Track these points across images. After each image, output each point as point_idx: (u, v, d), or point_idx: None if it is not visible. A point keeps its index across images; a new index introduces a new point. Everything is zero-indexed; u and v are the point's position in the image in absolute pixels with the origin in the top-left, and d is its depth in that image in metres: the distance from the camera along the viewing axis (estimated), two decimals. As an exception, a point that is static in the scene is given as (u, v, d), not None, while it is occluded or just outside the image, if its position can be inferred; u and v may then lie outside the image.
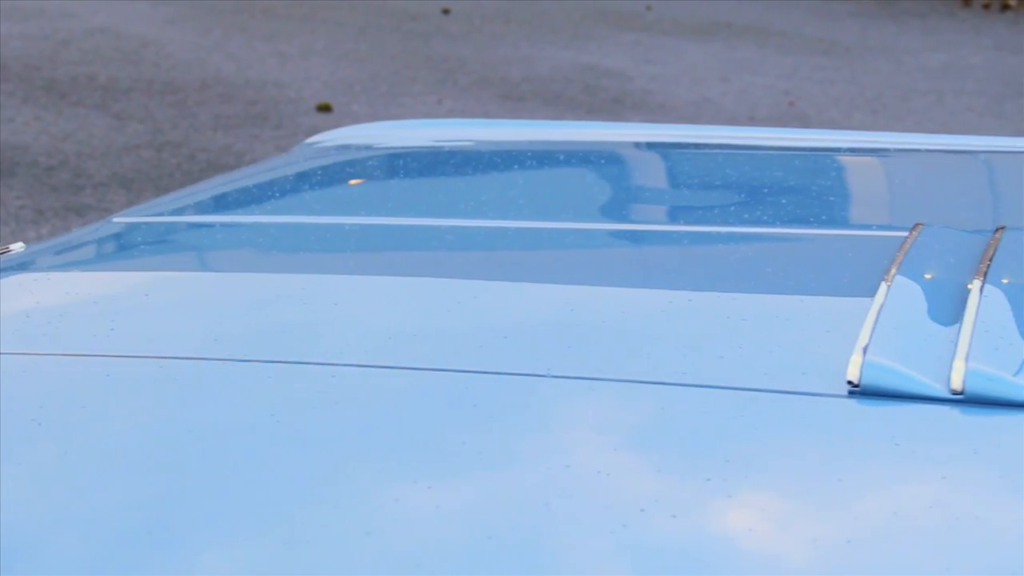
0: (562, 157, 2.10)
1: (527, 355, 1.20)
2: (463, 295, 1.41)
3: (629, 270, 1.49)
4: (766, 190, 1.77)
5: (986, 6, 11.05)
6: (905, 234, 1.40)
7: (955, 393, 1.09)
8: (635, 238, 1.57)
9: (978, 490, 1.02)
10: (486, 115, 7.33)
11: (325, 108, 7.34)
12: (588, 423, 1.11)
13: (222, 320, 1.38)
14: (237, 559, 0.94)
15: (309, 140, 2.35)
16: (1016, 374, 1.09)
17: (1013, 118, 7.33)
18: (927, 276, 1.28)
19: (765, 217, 1.63)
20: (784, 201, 1.71)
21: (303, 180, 2.14)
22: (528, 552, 0.93)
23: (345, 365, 1.20)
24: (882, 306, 1.21)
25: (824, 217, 1.66)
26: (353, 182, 2.11)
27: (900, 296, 1.23)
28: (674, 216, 1.72)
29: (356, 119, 7.07)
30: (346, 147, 2.26)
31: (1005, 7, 10.99)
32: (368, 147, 2.25)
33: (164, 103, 7.27)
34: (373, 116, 7.19)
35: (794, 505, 1.01)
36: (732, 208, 1.69)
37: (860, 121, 7.31)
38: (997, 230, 1.42)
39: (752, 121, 7.31)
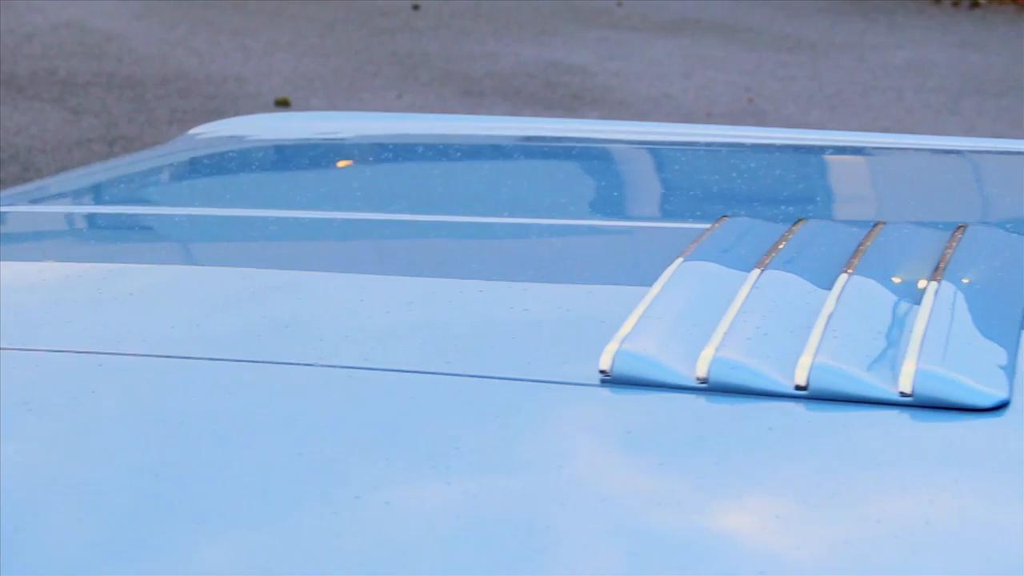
0: (436, 152, 2.11)
1: (299, 346, 1.22)
2: (306, 286, 1.42)
3: (439, 259, 1.50)
4: (603, 183, 1.78)
5: (956, 3, 11.07)
6: (706, 225, 1.41)
7: (701, 381, 1.10)
8: (455, 230, 1.58)
9: (716, 477, 1.03)
10: (444, 110, 7.34)
11: (283, 103, 7.34)
12: (343, 412, 1.12)
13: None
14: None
15: (192, 131, 2.36)
16: (758, 367, 1.10)
17: (969, 115, 7.34)
18: (707, 265, 1.29)
19: (574, 209, 1.64)
20: (587, 192, 1.73)
21: (178, 170, 2.14)
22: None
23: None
24: (655, 297, 1.22)
25: (645, 209, 1.67)
26: (227, 173, 2.12)
27: (673, 286, 1.24)
28: (516, 209, 1.72)
29: (313, 114, 7.06)
30: (228, 138, 2.27)
31: (975, 5, 11.00)
32: (248, 139, 2.26)
33: (122, 98, 7.27)
34: (330, 110, 7.19)
35: (529, 493, 1.01)
36: (564, 201, 1.70)
37: (817, 117, 7.32)
38: (797, 221, 1.43)
39: (709, 117, 7.33)
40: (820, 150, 1.91)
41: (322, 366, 1.17)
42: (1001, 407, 1.05)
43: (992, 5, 10.98)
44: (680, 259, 1.30)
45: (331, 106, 7.35)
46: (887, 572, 0.89)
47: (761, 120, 7.26)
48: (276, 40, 8.95)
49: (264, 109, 7.20)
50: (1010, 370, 1.10)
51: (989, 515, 0.94)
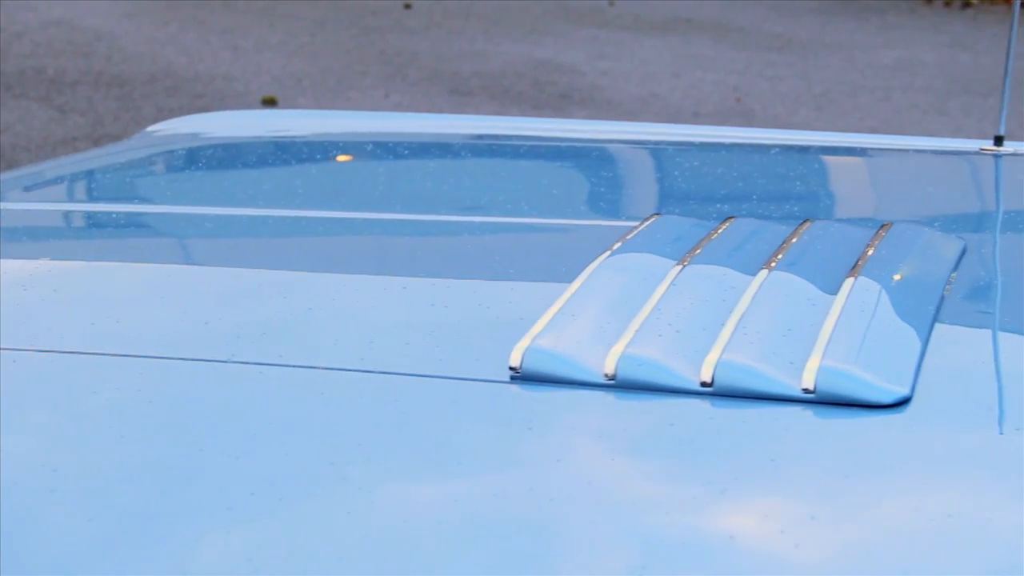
0: (383, 150, 2.11)
1: (216, 343, 1.22)
2: (224, 282, 1.42)
3: (366, 256, 1.50)
4: (548, 181, 1.79)
5: (947, 3, 11.07)
6: (633, 223, 1.42)
7: (609, 378, 1.11)
8: (389, 227, 1.58)
9: (615, 473, 1.03)
10: (432, 109, 7.34)
11: (270, 101, 7.35)
12: (266, 409, 1.12)
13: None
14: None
15: (150, 128, 2.36)
16: (665, 364, 1.11)
17: (955, 115, 7.34)
18: (630, 262, 1.29)
19: (514, 207, 1.65)
20: (529, 190, 1.73)
21: (132, 168, 2.15)
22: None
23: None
24: (572, 295, 1.22)
25: (585, 207, 1.67)
26: (177, 171, 2.12)
27: (592, 283, 1.24)
28: (455, 206, 1.73)
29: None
30: (184, 136, 2.27)
31: (967, 5, 11.00)
32: (203, 136, 2.26)
33: (109, 96, 7.27)
34: (314, 109, 7.20)
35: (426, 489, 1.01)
36: (503, 199, 1.70)
37: (804, 117, 7.32)
38: (726, 219, 1.43)
39: (696, 117, 7.33)
40: (767, 149, 1.91)
41: (236, 363, 1.17)
42: (902, 404, 1.05)
43: (984, 5, 10.97)
44: (602, 256, 1.31)
45: (318, 105, 7.35)
46: (774, 565, 0.89)
47: (748, 119, 7.26)
48: (266, 39, 8.96)
49: (251, 108, 7.21)
50: (915, 367, 1.10)
51: (877, 511, 0.95)
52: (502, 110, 7.35)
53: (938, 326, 1.19)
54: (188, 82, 7.68)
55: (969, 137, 6.61)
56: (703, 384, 1.09)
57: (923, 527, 0.92)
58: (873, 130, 7.00)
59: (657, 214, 1.46)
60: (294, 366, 1.17)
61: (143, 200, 1.90)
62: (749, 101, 7.70)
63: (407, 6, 10.39)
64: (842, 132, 1.98)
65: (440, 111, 7.31)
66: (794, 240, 1.35)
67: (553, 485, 1.00)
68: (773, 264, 1.27)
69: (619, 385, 1.10)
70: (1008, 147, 1.89)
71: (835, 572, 0.89)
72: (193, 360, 1.19)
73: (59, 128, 6.61)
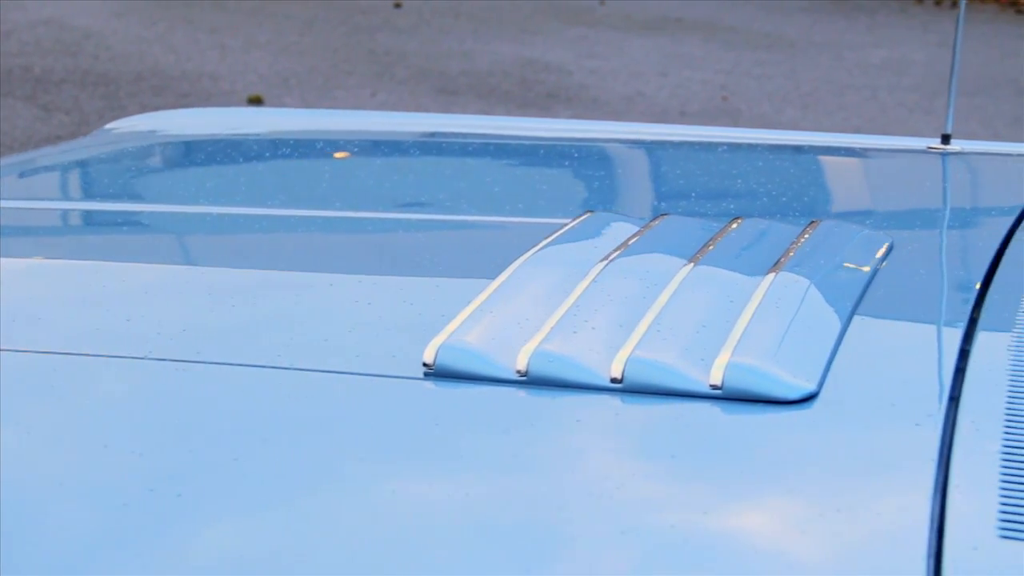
0: (334, 147, 2.11)
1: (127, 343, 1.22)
2: (142, 278, 1.42)
3: (300, 254, 1.50)
4: (491, 180, 1.79)
5: (938, 3, 11.07)
6: (567, 220, 1.42)
7: (521, 375, 1.11)
8: (325, 225, 1.58)
9: (523, 468, 1.03)
10: (418, 108, 7.34)
11: (256, 100, 7.34)
12: (191, 406, 1.12)
13: None
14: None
15: (108, 125, 2.36)
16: (577, 360, 1.11)
17: (941, 114, 7.33)
18: (555, 259, 1.29)
19: (452, 205, 1.65)
20: (470, 188, 1.73)
21: (84, 165, 2.15)
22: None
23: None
24: (493, 292, 1.22)
25: (509, 206, 1.67)
26: (131, 168, 2.12)
27: (515, 280, 1.24)
28: (389, 204, 1.73)
29: (285, 112, 7.06)
30: (141, 133, 2.28)
31: (956, 4, 11.00)
32: (161, 134, 2.27)
33: (95, 95, 7.27)
34: (301, 108, 7.19)
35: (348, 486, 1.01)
36: (442, 197, 1.70)
37: (791, 116, 7.32)
38: (657, 217, 1.43)
39: (682, 116, 7.33)
40: (713, 147, 1.91)
41: (152, 359, 1.17)
42: (808, 400, 1.05)
43: (974, 4, 10.97)
44: (528, 254, 1.31)
45: (304, 104, 7.35)
46: (662, 559, 0.89)
47: (734, 119, 7.26)
48: (254, 38, 8.95)
49: (237, 106, 7.20)
50: (826, 364, 1.10)
51: (769, 506, 0.95)
52: (488, 109, 7.34)
53: (854, 323, 1.19)
54: (174, 81, 7.68)
55: (955, 137, 6.60)
56: (613, 380, 1.09)
57: (818, 521, 0.92)
58: (857, 129, 7.00)
59: (590, 211, 1.46)
60: (208, 363, 1.17)
61: (92, 197, 1.90)
62: (736, 100, 7.70)
63: (397, 5, 10.39)
64: (794, 131, 1.99)
65: (426, 110, 7.31)
66: (721, 237, 1.35)
67: (460, 481, 1.00)
68: (697, 261, 1.27)
69: (531, 382, 1.10)
70: (955, 145, 1.89)
71: (729, 566, 0.89)
72: (115, 357, 1.19)
73: (43, 127, 6.61)
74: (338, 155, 2.02)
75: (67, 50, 8.28)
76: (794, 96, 7.82)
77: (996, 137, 6.71)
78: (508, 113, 7.27)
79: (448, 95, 7.65)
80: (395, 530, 0.94)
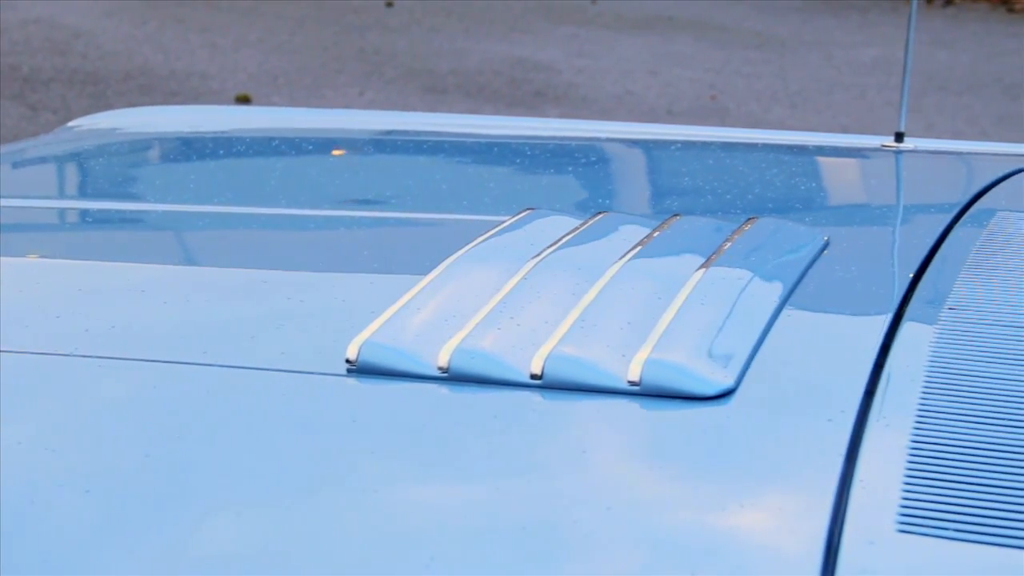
0: (288, 145, 2.11)
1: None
2: (73, 275, 1.43)
3: (239, 250, 1.50)
4: (439, 177, 1.79)
5: (929, 1, 11.07)
6: (504, 218, 1.42)
7: (442, 371, 1.11)
8: (269, 222, 1.59)
9: (442, 464, 1.03)
10: (406, 107, 7.34)
11: (244, 99, 7.35)
12: (111, 404, 1.12)
13: None
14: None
15: (71, 123, 2.37)
16: (498, 357, 1.11)
17: (928, 112, 7.34)
18: (487, 256, 1.30)
19: (397, 202, 1.65)
20: (416, 185, 1.73)
21: (43, 163, 2.15)
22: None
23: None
24: (422, 288, 1.23)
25: (454, 203, 1.68)
26: (88, 166, 2.12)
27: (446, 277, 1.25)
28: (332, 201, 1.72)
29: (273, 110, 7.06)
30: (104, 131, 2.28)
31: (948, 3, 11.00)
32: (122, 132, 2.27)
33: (83, 94, 7.27)
34: (289, 107, 7.20)
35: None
36: (389, 194, 1.71)
37: (778, 115, 7.32)
38: (595, 214, 1.44)
39: (669, 115, 7.33)
40: (664, 145, 1.92)
41: (77, 356, 1.17)
42: (725, 396, 1.06)
43: (966, 3, 10.98)
44: (461, 251, 1.31)
45: (292, 102, 7.36)
46: (563, 553, 0.90)
47: (722, 117, 7.27)
48: (244, 37, 8.96)
49: (225, 105, 7.21)
50: (746, 360, 1.10)
51: (678, 501, 0.95)
52: (475, 108, 7.35)
53: (781, 319, 1.19)
54: (163, 80, 7.69)
55: (939, 135, 6.61)
56: (533, 377, 1.09)
57: (719, 515, 0.93)
58: (845, 127, 7.01)
59: (529, 208, 1.46)
60: (133, 360, 1.17)
61: (46, 195, 1.90)
62: (724, 99, 7.70)
63: (389, 4, 10.39)
64: (754, 129, 1.99)
65: (413, 108, 7.31)
66: (656, 234, 1.36)
67: (378, 479, 1.00)
68: (629, 257, 1.27)
69: (452, 378, 1.11)
70: (908, 143, 1.89)
71: (625, 560, 0.89)
72: (45, 355, 1.20)
73: (30, 125, 6.61)
74: (298, 153, 2.03)
75: (56, 49, 8.28)
76: (782, 95, 7.82)
77: (982, 136, 6.71)
78: (496, 112, 7.27)
79: (436, 94, 7.65)
80: (304, 529, 0.94)
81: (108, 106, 7.04)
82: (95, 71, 7.78)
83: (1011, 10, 10.76)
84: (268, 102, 7.35)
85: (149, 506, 0.96)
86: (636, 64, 8.57)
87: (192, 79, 7.75)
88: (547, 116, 7.23)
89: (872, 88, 7.99)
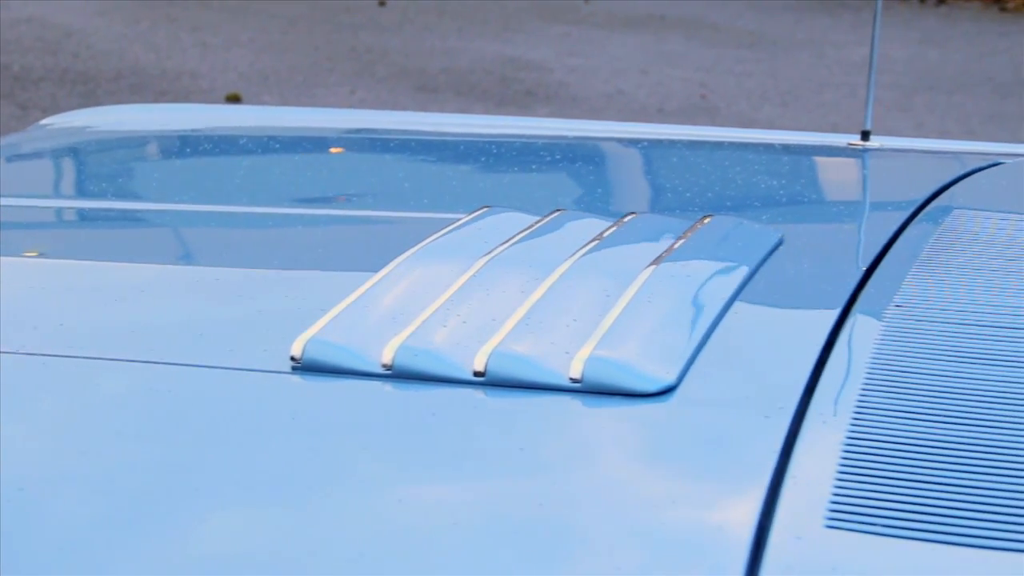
0: (256, 144, 2.11)
1: None
2: (28, 273, 1.43)
3: (194, 248, 1.51)
4: (403, 175, 1.79)
5: (922, 0, 11.07)
6: (459, 216, 1.42)
7: (386, 368, 1.11)
8: (231, 220, 1.59)
9: (391, 460, 1.04)
10: (397, 106, 7.34)
11: (234, 98, 7.34)
12: (33, 399, 1.12)
13: None
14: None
15: (43, 121, 2.36)
16: (441, 354, 1.11)
17: (918, 111, 7.35)
18: (439, 253, 1.30)
19: (360, 200, 1.65)
20: (380, 184, 1.74)
21: (13, 162, 2.15)
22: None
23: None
24: (372, 286, 1.23)
25: (415, 201, 1.68)
26: (57, 164, 2.12)
27: (396, 275, 1.25)
28: (292, 199, 1.73)
29: (263, 110, 7.06)
30: (75, 129, 2.28)
31: (941, 2, 11.01)
32: (93, 130, 2.27)
33: (73, 93, 7.27)
34: (280, 106, 7.19)
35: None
36: (352, 192, 1.71)
37: (768, 113, 7.33)
38: (551, 212, 1.44)
39: (660, 114, 7.33)
40: (633, 143, 1.92)
41: (22, 354, 1.17)
42: (665, 393, 1.06)
43: (958, 3, 10.98)
44: (413, 249, 1.31)
45: (283, 101, 7.36)
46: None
47: (712, 116, 7.27)
48: (236, 36, 8.95)
49: (216, 104, 7.20)
50: (689, 357, 1.10)
51: (611, 498, 0.95)
52: (466, 107, 7.35)
53: (728, 316, 1.19)
54: (154, 79, 7.69)
55: (928, 134, 6.62)
56: (476, 374, 1.09)
57: (650, 511, 0.93)
58: (835, 126, 7.01)
59: (486, 206, 1.46)
60: (71, 356, 1.17)
61: (15, 193, 1.90)
62: (714, 98, 7.71)
63: (381, 3, 10.39)
64: (724, 128, 1.99)
65: (403, 107, 7.31)
66: (610, 232, 1.36)
67: (318, 477, 1.00)
68: (580, 255, 1.28)
69: (396, 375, 1.11)
70: (874, 142, 1.90)
71: (550, 557, 0.89)
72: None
73: (19, 124, 6.61)
74: (268, 152, 2.03)
75: (47, 48, 8.28)
76: (773, 94, 7.82)
77: (971, 135, 6.71)
78: (486, 111, 7.27)
79: (427, 93, 7.65)
80: (247, 527, 0.94)
81: (99, 105, 7.04)
82: (86, 70, 7.77)
83: (1003, 9, 10.77)
84: (258, 101, 7.35)
85: (87, 505, 0.96)
86: (627, 63, 8.57)
87: (183, 78, 7.75)
88: (537, 115, 7.23)
89: (863, 87, 7.99)
